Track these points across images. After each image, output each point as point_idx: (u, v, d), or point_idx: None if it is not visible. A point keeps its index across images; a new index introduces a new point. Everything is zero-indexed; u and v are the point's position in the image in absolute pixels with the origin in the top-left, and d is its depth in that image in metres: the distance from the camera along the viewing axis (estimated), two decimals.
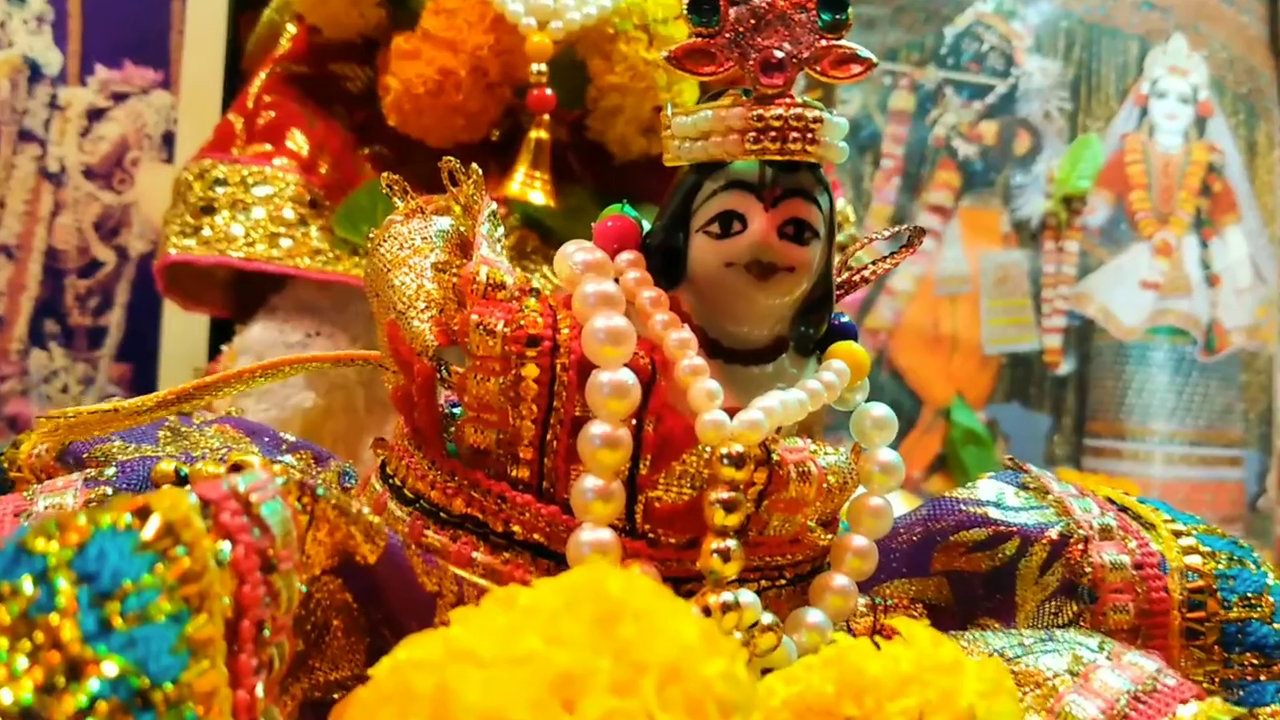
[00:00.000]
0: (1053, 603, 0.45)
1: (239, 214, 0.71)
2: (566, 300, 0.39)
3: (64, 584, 0.22)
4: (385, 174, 0.43)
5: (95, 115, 0.88)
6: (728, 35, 0.39)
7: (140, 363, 0.87)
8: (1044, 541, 0.45)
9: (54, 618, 0.22)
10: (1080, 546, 0.45)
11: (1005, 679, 0.35)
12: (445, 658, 0.27)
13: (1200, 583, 0.45)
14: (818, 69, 0.40)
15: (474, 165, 0.43)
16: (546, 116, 0.71)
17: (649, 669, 0.27)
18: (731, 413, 0.38)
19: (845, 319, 0.44)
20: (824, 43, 0.40)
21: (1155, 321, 1.03)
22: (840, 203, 0.88)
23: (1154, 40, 1.03)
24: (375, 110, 0.76)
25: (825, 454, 0.41)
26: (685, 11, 0.39)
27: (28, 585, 0.22)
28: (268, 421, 0.68)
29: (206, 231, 0.71)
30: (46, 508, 0.38)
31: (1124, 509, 0.49)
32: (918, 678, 0.34)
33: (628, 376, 0.37)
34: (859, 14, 0.97)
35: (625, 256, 0.40)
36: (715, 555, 0.36)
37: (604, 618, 0.28)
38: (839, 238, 0.83)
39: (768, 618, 0.37)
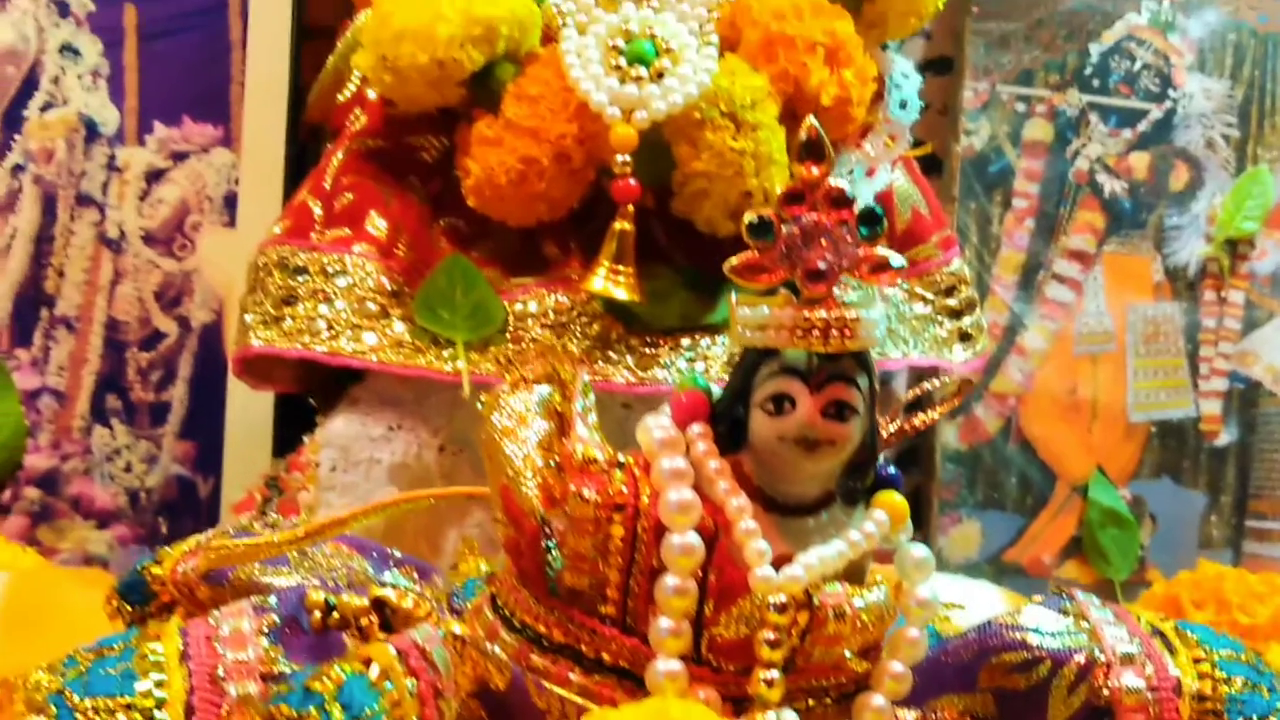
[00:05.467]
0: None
1: (321, 304, 1.03)
2: (646, 465, 0.71)
3: (336, 712, 0.54)
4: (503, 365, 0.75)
5: (154, 176, 1.21)
6: (781, 249, 0.70)
7: (205, 440, 1.20)
8: (1072, 665, 0.75)
9: None
10: (1103, 671, 0.75)
11: None
12: None
13: (1210, 705, 0.75)
14: (856, 275, 0.70)
15: (571, 348, 0.74)
16: (631, 207, 1.01)
17: None
18: (783, 560, 0.69)
19: (891, 470, 0.75)
20: (861, 252, 0.70)
21: None
22: (956, 263, 1.18)
23: None
24: (450, 180, 1.07)
25: (863, 595, 0.71)
26: (745, 232, 0.69)
27: (315, 713, 0.53)
28: None
29: (288, 322, 1.03)
30: (230, 632, 0.71)
31: (1160, 633, 0.79)
32: None
33: (695, 539, 0.68)
34: (989, 29, 1.26)
35: (695, 429, 0.71)
36: (762, 683, 0.68)
37: None
38: (956, 298, 1.14)
39: None
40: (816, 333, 0.69)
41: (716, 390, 0.74)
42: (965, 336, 1.17)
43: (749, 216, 0.70)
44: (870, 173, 1.11)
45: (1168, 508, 1.31)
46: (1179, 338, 1.31)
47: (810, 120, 0.70)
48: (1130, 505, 1.30)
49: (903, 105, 1.12)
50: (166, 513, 1.22)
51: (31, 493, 1.21)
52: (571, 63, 1.00)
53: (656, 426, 0.71)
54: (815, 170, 0.69)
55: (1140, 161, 1.31)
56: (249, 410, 1.19)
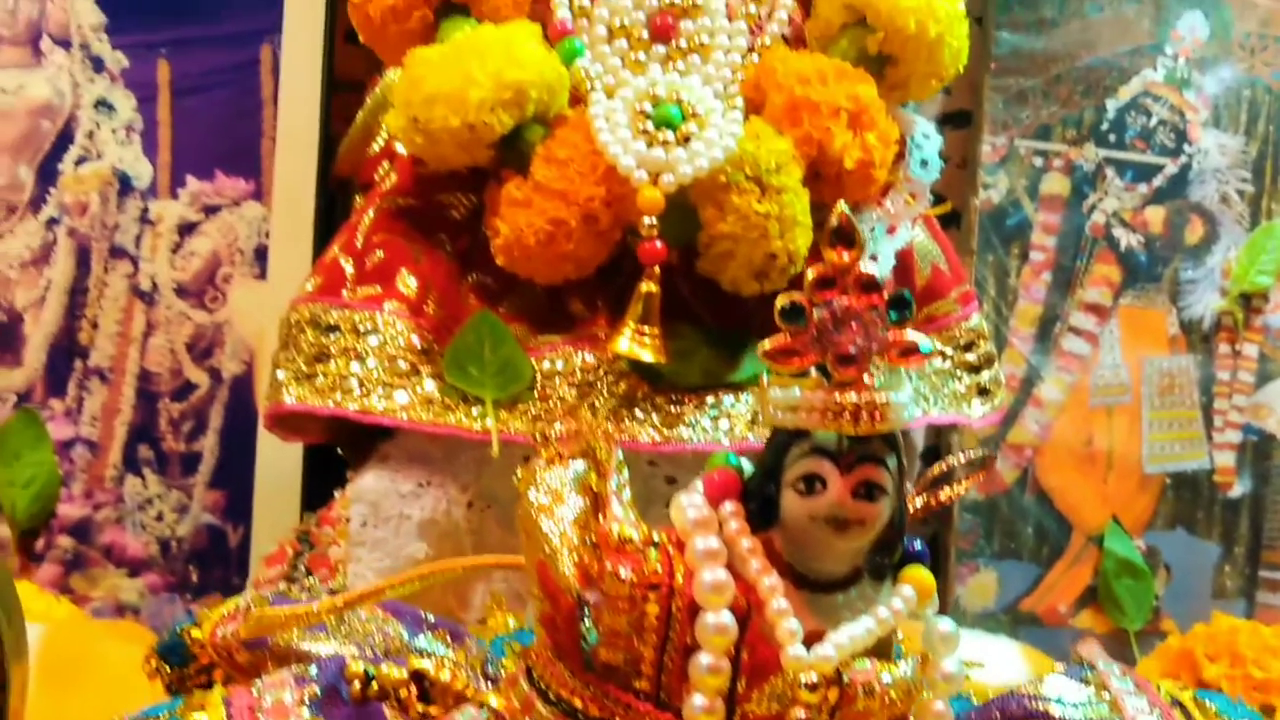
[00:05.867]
0: None
1: (353, 362, 1.04)
2: (680, 543, 0.72)
3: None
4: (537, 434, 0.76)
5: (187, 229, 1.23)
6: (812, 334, 0.71)
7: (235, 490, 1.22)
8: None
9: None
10: None
11: None
12: None
13: None
14: (885, 358, 0.72)
15: (607, 427, 0.76)
16: (657, 269, 1.03)
17: None
18: (814, 637, 0.70)
19: (917, 544, 0.76)
20: (891, 336, 0.71)
21: None
22: (975, 319, 1.19)
23: None
24: (478, 236, 1.09)
25: (892, 670, 0.73)
26: (777, 317, 0.71)
27: None
28: (382, 572, 1.03)
29: (320, 379, 1.04)
30: (273, 703, 0.73)
31: (1179, 703, 0.80)
32: None
33: (728, 619, 0.70)
34: (1008, 85, 1.28)
35: (728, 507, 0.73)
36: None
37: None
38: (975, 354, 1.15)
39: None
40: (847, 415, 0.71)
41: (747, 466, 0.75)
42: (983, 391, 1.18)
43: (781, 301, 0.71)
44: (891, 230, 1.13)
45: (1182, 558, 1.33)
46: (1194, 390, 1.33)
47: (841, 206, 0.72)
48: (1145, 555, 1.32)
49: (924, 164, 1.13)
50: (197, 561, 1.24)
51: (65, 541, 1.23)
52: (600, 127, 1.02)
53: (690, 505, 0.73)
54: (846, 255, 0.71)
55: (1156, 216, 1.33)
56: (279, 460, 1.21)
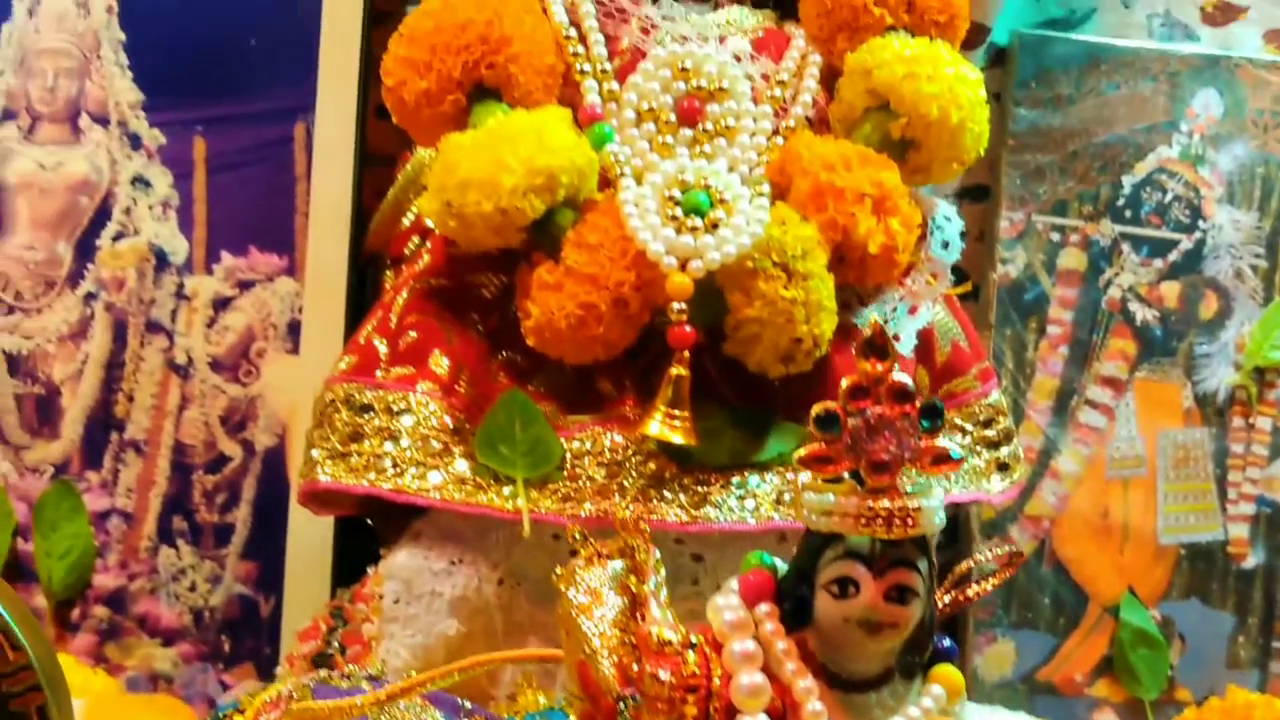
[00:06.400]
0: None
1: (386, 442, 1.06)
2: (717, 644, 0.74)
3: None
4: (571, 528, 0.78)
5: (221, 304, 1.25)
6: (846, 442, 0.73)
7: (267, 560, 1.24)
8: None
9: None
10: None
11: None
12: None
13: None
14: (918, 466, 0.74)
15: (643, 522, 0.77)
16: (686, 353, 1.05)
17: None
18: None
19: (947, 643, 0.78)
20: (923, 444, 0.74)
21: None
22: (995, 395, 1.21)
23: None
24: (507, 315, 1.11)
25: None
26: (812, 425, 0.73)
27: None
28: (414, 648, 1.05)
29: (354, 458, 1.06)
30: None
31: None
32: None
33: None
34: (1025, 161, 1.30)
35: (763, 609, 0.75)
36: None
37: None
38: (994, 430, 1.17)
39: None
40: (880, 521, 0.73)
41: (781, 565, 0.77)
42: (1003, 467, 1.20)
43: (817, 410, 0.74)
44: (913, 310, 1.14)
45: (1197, 628, 1.34)
46: (1208, 463, 1.35)
47: (874, 318, 0.75)
48: (1160, 626, 1.33)
49: (945, 246, 1.15)
50: (229, 631, 1.25)
51: (100, 611, 1.25)
52: (630, 212, 1.04)
53: (727, 608, 0.75)
54: (879, 366, 0.73)
55: (1171, 291, 1.35)
56: (310, 532, 1.23)
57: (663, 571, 0.78)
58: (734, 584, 0.77)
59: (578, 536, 0.79)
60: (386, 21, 1.31)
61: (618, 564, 0.78)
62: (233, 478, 1.26)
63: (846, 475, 0.74)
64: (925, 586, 0.74)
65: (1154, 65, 1.36)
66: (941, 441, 0.74)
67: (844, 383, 0.74)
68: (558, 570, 0.79)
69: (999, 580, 0.83)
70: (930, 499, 0.74)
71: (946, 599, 0.81)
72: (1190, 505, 1.34)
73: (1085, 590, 1.34)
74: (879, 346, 0.73)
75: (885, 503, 0.72)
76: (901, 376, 0.74)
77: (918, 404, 0.74)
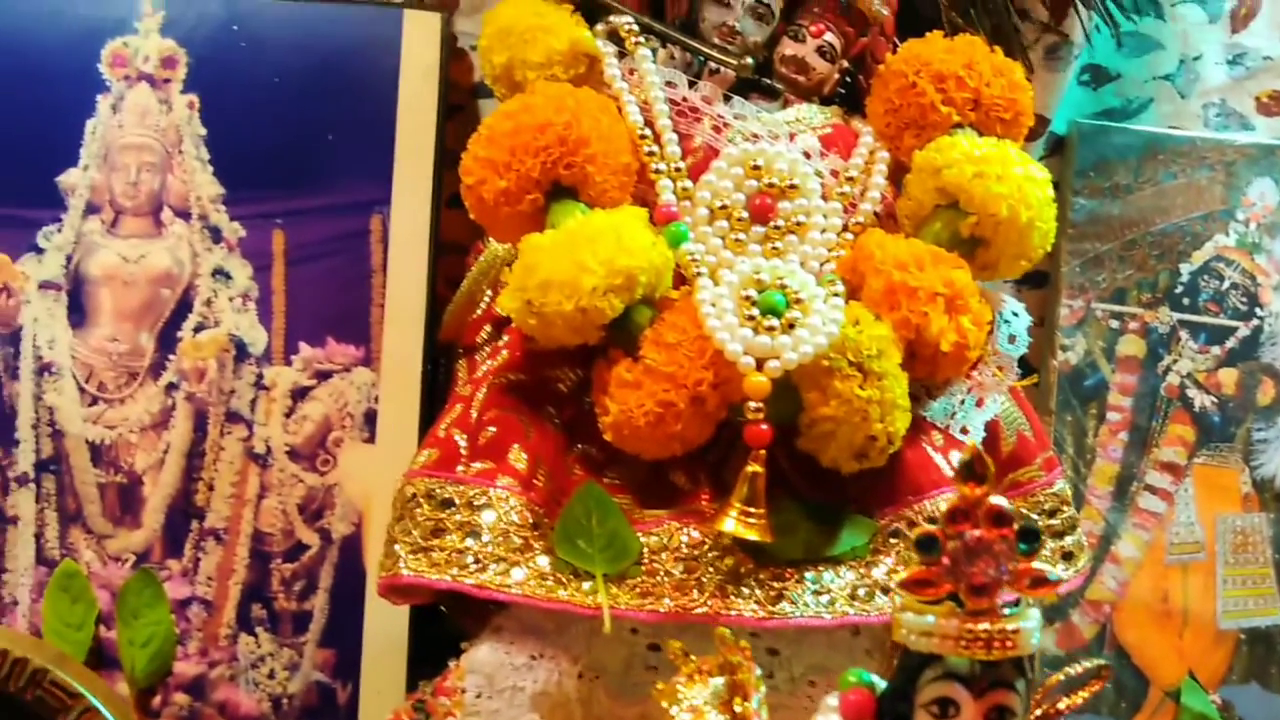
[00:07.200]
0: None
1: (468, 537, 1.07)
2: None
3: None
4: (673, 644, 0.80)
5: (299, 394, 1.27)
6: (946, 565, 0.75)
7: (344, 648, 1.26)
8: None
9: None
10: None
11: None
12: None
13: None
14: (1017, 589, 0.75)
15: (744, 642, 0.79)
16: (763, 452, 1.06)
17: None
18: None
19: None
20: (1021, 567, 0.75)
21: None
22: (1059, 484, 1.22)
23: None
24: (582, 408, 1.12)
25: None
26: (914, 548, 0.75)
27: None
28: None
29: (436, 553, 1.07)
30: None
31: None
32: None
33: None
34: (1084, 250, 1.32)
35: None
36: None
37: None
38: (1059, 519, 1.18)
39: None
40: (980, 643, 0.74)
41: (878, 682, 0.79)
42: (1067, 555, 1.21)
43: (917, 534, 0.75)
44: (980, 403, 1.16)
45: (1256, 712, 1.35)
46: (1266, 547, 1.36)
47: (973, 442, 0.76)
48: (1220, 710, 1.34)
49: (1011, 340, 1.17)
50: (308, 718, 1.27)
51: (180, 698, 1.26)
52: (708, 312, 1.05)
53: None
54: (978, 490, 0.75)
55: (1229, 377, 1.36)
56: (387, 619, 1.24)
57: (763, 689, 0.79)
58: (833, 701, 0.78)
59: (679, 653, 0.80)
60: (458, 114, 1.34)
61: (719, 681, 0.79)
62: (310, 565, 1.28)
63: (947, 599, 0.76)
64: (1023, 705, 0.76)
65: (1210, 155, 1.38)
66: (1039, 564, 0.75)
67: (943, 506, 0.76)
68: (659, 685, 0.80)
69: (1090, 693, 0.84)
70: (1028, 620, 0.75)
71: (1038, 713, 0.82)
72: (1249, 590, 1.36)
73: (1146, 674, 1.35)
74: (977, 470, 0.75)
75: (985, 625, 0.74)
76: (999, 500, 0.75)
77: (1015, 527, 0.75)
